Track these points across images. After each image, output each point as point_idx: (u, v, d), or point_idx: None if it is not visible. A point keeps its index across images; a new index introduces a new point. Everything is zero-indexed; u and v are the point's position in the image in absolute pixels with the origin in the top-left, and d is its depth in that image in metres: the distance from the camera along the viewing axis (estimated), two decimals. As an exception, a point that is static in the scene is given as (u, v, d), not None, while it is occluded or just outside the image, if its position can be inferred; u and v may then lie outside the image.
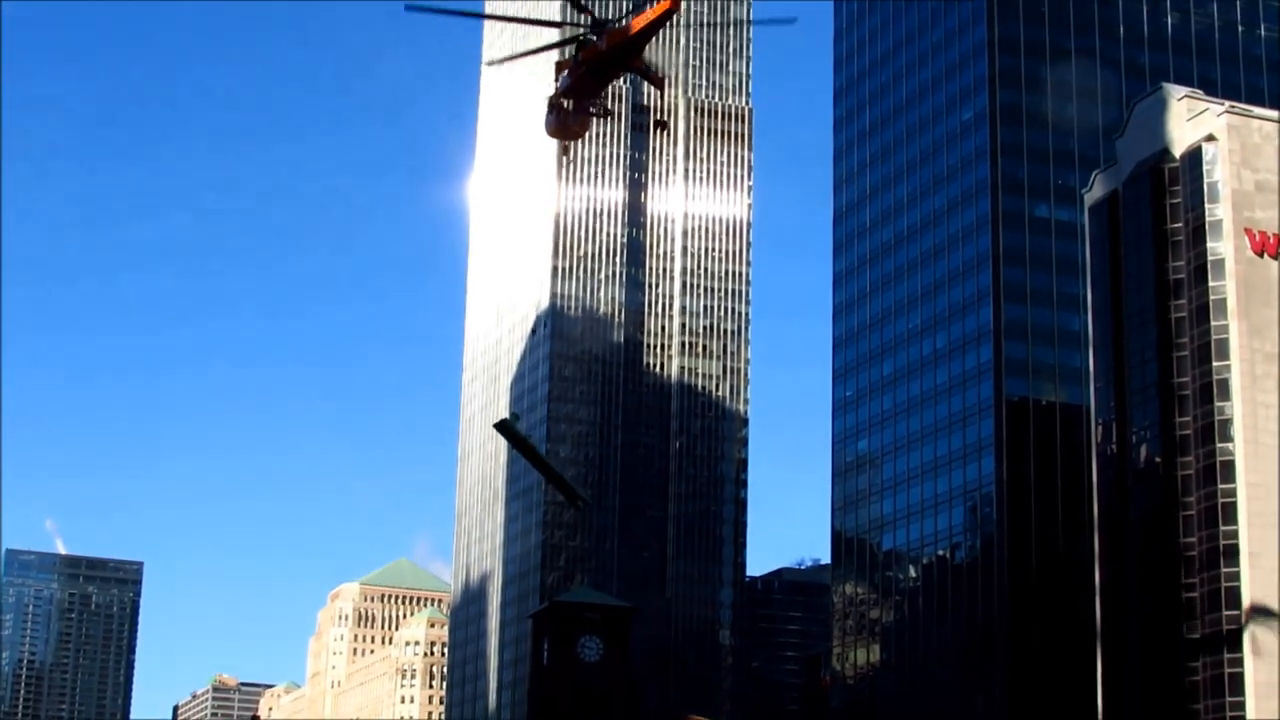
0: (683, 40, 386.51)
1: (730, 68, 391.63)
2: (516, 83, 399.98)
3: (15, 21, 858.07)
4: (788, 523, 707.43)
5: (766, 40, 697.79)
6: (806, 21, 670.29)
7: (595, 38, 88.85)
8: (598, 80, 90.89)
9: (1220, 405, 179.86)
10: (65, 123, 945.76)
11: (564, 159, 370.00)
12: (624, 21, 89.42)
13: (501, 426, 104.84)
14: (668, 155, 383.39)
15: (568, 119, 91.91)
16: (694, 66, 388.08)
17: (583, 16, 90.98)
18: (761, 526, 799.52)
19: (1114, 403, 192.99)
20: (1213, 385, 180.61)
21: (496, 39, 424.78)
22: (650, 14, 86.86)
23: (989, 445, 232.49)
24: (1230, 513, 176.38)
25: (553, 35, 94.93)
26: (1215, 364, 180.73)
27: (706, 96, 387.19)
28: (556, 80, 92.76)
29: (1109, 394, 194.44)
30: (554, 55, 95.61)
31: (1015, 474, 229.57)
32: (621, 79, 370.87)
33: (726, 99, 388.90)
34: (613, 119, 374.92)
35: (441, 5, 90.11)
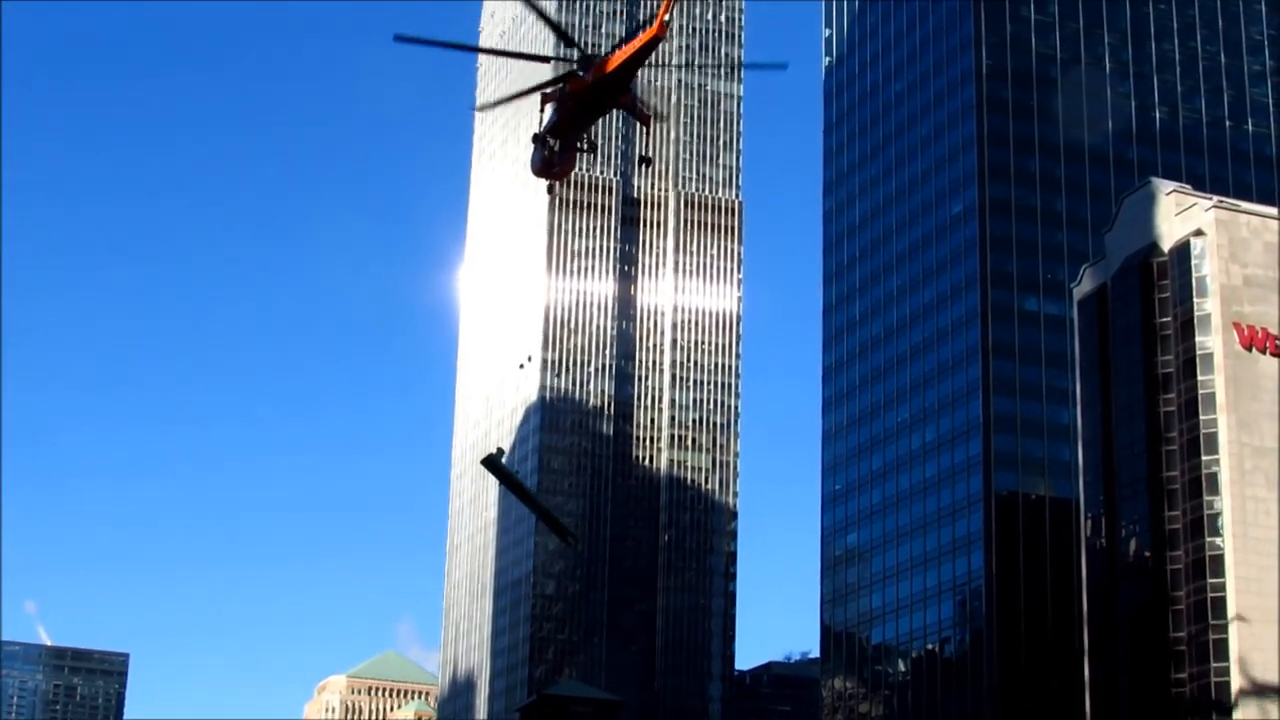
0: (673, 134, 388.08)
1: (720, 161, 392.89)
2: (506, 175, 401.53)
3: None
4: (777, 616, 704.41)
5: (756, 134, 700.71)
6: (796, 116, 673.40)
7: (583, 72, 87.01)
8: (585, 115, 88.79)
9: (1209, 499, 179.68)
10: (59, 218, 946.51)
11: (554, 252, 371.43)
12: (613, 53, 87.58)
13: (488, 462, 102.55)
14: (657, 248, 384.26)
15: (553, 157, 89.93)
16: (684, 159, 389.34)
17: (571, 50, 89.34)
18: (750, 620, 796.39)
19: (1103, 496, 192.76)
20: (1202, 479, 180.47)
21: (488, 130, 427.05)
22: (635, 43, 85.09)
23: (978, 539, 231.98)
24: (1220, 607, 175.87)
25: (544, 75, 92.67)
26: (1204, 458, 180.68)
27: (696, 189, 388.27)
28: (542, 113, 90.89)
29: (1098, 488, 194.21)
30: (541, 102, 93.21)
31: (1004, 568, 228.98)
32: (611, 173, 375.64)
33: (716, 192, 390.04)
34: (602, 212, 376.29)
35: (432, 38, 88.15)
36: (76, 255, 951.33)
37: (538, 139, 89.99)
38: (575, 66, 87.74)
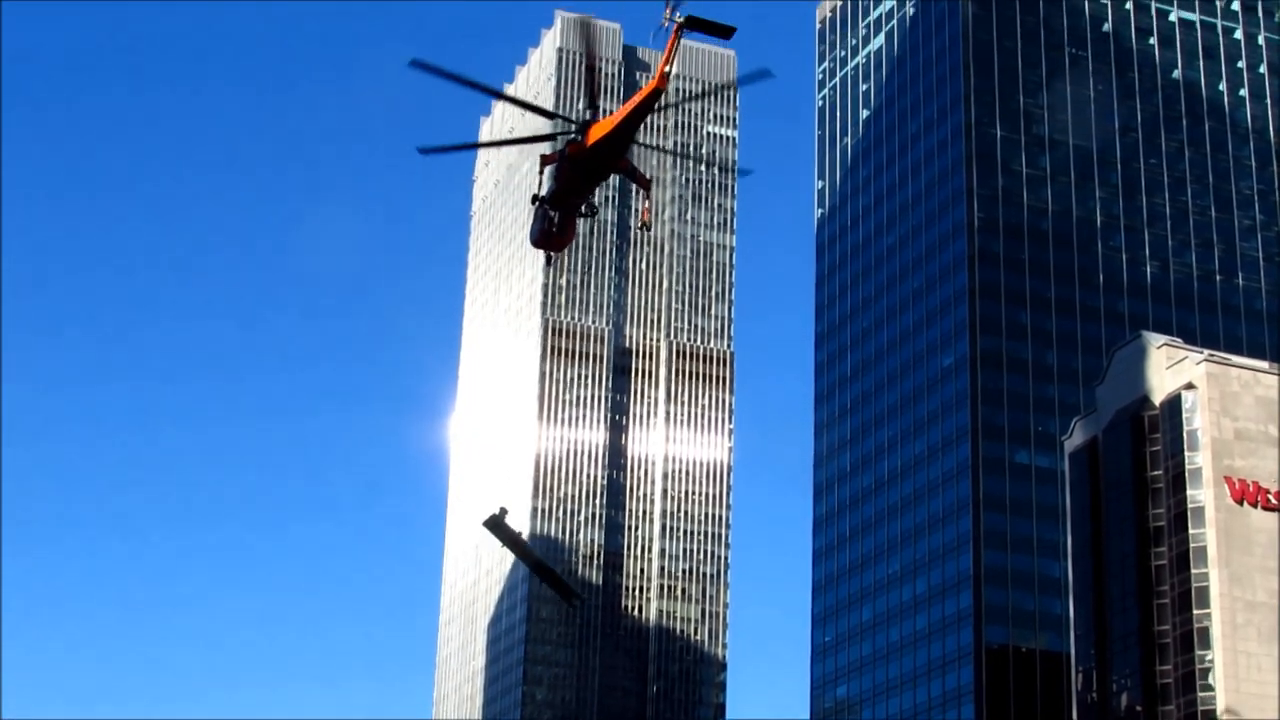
0: (665, 283, 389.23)
1: (712, 311, 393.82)
2: (498, 324, 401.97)
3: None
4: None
5: (748, 284, 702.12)
6: (789, 266, 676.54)
7: (581, 137, 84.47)
8: (585, 181, 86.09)
9: (1201, 654, 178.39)
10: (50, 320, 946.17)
11: (545, 401, 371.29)
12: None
13: (491, 523, 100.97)
14: (649, 398, 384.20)
15: (552, 228, 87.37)
16: (675, 310, 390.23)
17: (573, 115, 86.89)
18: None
19: (1094, 650, 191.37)
20: (1193, 633, 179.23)
21: (480, 279, 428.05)
22: (634, 100, 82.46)
23: (969, 693, 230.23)
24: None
25: (545, 147, 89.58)
26: (1196, 612, 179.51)
27: (688, 340, 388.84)
28: (541, 175, 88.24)
29: (1089, 641, 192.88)
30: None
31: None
32: (603, 322, 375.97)
33: (708, 342, 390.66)
34: (594, 361, 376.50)
35: (449, 72, 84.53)
36: (69, 385, 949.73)
37: (538, 203, 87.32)
38: (574, 133, 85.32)
